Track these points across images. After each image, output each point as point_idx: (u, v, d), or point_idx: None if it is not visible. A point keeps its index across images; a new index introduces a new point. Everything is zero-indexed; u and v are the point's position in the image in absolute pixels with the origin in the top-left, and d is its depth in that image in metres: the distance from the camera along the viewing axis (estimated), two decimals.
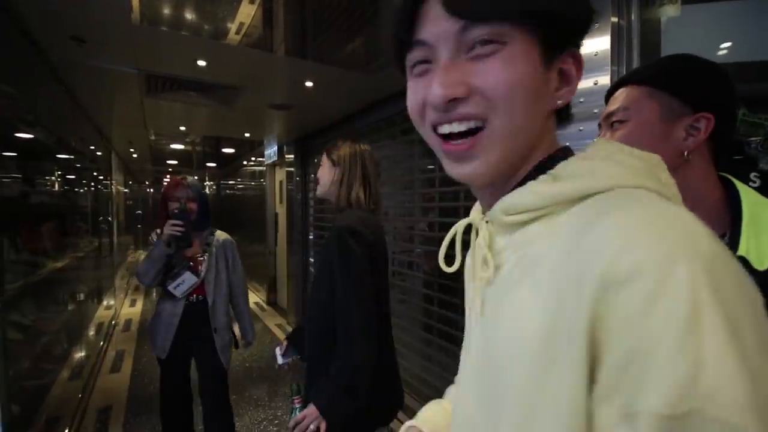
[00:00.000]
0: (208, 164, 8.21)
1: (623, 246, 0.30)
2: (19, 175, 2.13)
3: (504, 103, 0.38)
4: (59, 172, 2.99)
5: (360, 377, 1.13)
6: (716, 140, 0.66)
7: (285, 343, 1.57)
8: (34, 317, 2.16)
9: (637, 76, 0.70)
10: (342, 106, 3.23)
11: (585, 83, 1.50)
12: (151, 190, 16.20)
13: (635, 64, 1.44)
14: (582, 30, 0.42)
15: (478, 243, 0.46)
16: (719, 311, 0.26)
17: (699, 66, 0.67)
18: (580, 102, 1.51)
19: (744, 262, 0.56)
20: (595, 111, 1.45)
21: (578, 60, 0.43)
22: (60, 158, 2.99)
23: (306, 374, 1.28)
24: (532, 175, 0.42)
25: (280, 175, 5.26)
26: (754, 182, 1.50)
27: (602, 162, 0.39)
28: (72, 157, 3.44)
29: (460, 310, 2.14)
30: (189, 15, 1.88)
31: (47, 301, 2.50)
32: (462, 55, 0.39)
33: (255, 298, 6.22)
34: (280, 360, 1.54)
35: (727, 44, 1.42)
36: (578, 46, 0.44)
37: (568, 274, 0.33)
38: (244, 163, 6.97)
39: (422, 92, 0.42)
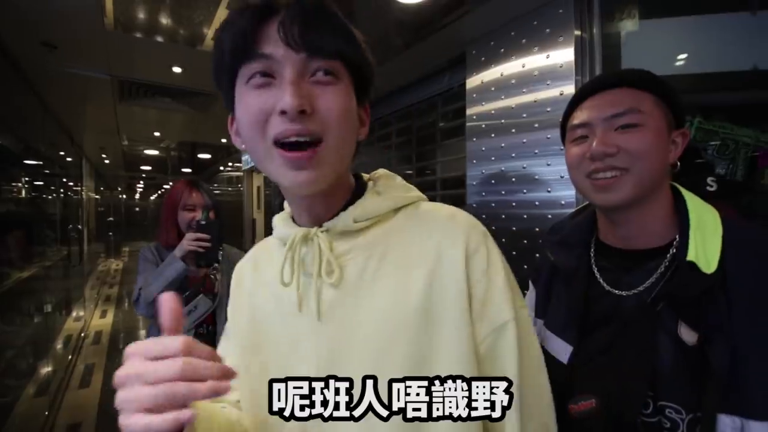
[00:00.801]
0: (183, 170, 8.04)
1: (466, 232, 0.52)
2: None
3: (337, 125, 0.47)
4: (27, 179, 2.89)
5: None
6: None
7: None
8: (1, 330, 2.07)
9: (647, 82, 0.67)
10: None
11: (551, 92, 1.58)
12: (124, 196, 15.74)
13: (598, 73, 1.52)
14: (367, 88, 0.55)
15: (319, 250, 0.52)
16: (505, 263, 0.54)
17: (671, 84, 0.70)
18: (547, 111, 1.59)
19: (693, 266, 0.58)
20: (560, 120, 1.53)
21: (367, 110, 0.57)
22: (27, 165, 2.89)
23: None
24: (358, 192, 0.56)
25: (258, 180, 5.21)
26: (711, 186, 1.60)
27: (402, 183, 0.60)
28: (40, 163, 3.34)
29: None
30: (165, 20, 1.87)
31: (12, 313, 2.41)
32: (306, 78, 0.46)
33: None
34: None
35: (683, 56, 1.51)
36: (366, 100, 0.56)
37: (440, 252, 0.51)
38: (221, 168, 6.87)
39: (268, 102, 0.45)
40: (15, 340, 2.39)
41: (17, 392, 2.34)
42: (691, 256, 0.59)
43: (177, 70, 2.18)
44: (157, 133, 4.26)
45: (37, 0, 1.51)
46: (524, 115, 1.67)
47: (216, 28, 1.98)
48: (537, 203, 1.62)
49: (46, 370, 3.04)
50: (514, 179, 1.72)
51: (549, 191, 1.57)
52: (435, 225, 0.53)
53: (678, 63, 1.52)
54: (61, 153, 4.36)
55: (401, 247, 0.52)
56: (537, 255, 1.55)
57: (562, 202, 1.52)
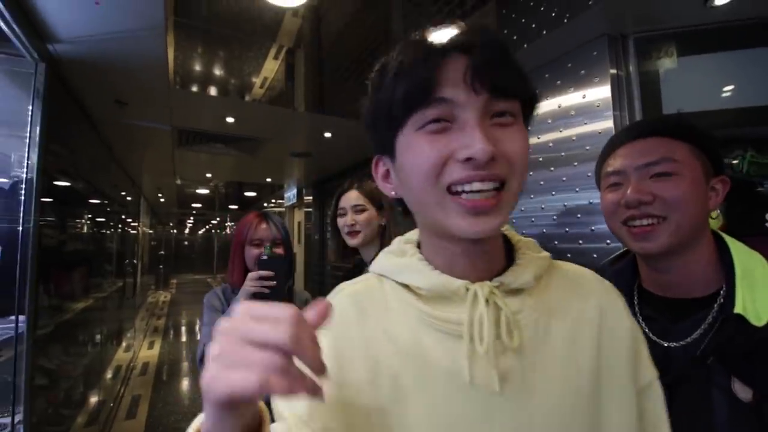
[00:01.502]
0: (231, 206, 8.49)
1: (616, 291, 0.52)
2: (60, 222, 2.28)
3: (520, 167, 0.43)
4: (90, 217, 3.18)
5: None
6: None
7: None
8: (58, 361, 2.22)
9: (683, 133, 0.67)
10: (356, 153, 3.38)
11: (589, 128, 1.57)
12: (175, 231, 16.73)
13: (637, 111, 1.51)
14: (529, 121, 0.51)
15: (496, 308, 0.45)
16: None
17: (709, 132, 0.70)
18: (586, 149, 1.58)
19: (741, 319, 0.57)
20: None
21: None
22: (92, 203, 3.18)
23: None
24: (511, 245, 0.51)
25: (299, 216, 5.41)
26: None
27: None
28: (105, 202, 3.65)
29: None
30: (218, 73, 2.07)
31: (71, 342, 2.58)
32: (486, 120, 0.42)
33: None
34: None
35: (727, 90, 1.47)
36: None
37: (602, 312, 0.48)
38: (265, 205, 7.20)
39: (446, 148, 0.41)
40: (72, 370, 2.54)
41: (70, 422, 2.46)
42: (738, 309, 0.57)
43: (230, 119, 2.37)
44: (208, 174, 4.57)
45: (112, 61, 1.72)
46: (562, 153, 1.66)
47: (264, 76, 2.17)
48: (580, 241, 1.58)
49: (96, 399, 3.19)
50: (555, 216, 1.69)
51: (593, 229, 1.53)
52: (589, 284, 0.51)
53: (722, 97, 1.49)
54: (123, 193, 4.76)
55: (563, 307, 0.48)
56: None
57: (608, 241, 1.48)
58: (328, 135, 2.72)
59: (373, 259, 1.11)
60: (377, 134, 0.48)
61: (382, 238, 1.21)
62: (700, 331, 0.62)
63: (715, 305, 0.62)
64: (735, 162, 1.48)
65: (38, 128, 1.56)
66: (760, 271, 0.60)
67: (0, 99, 1.60)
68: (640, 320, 0.71)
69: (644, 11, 1.38)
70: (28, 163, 1.55)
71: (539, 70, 1.77)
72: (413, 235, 0.55)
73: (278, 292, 1.19)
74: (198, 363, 1.21)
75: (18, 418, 1.47)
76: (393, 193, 0.50)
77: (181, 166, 3.91)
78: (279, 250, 1.33)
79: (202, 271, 16.31)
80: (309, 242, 4.94)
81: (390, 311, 0.48)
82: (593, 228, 1.53)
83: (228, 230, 11.62)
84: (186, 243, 18.17)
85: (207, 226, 16.74)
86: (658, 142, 0.67)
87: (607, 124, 1.51)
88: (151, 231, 10.13)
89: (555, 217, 1.69)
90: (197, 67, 2.01)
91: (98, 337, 3.36)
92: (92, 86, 1.94)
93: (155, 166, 4.02)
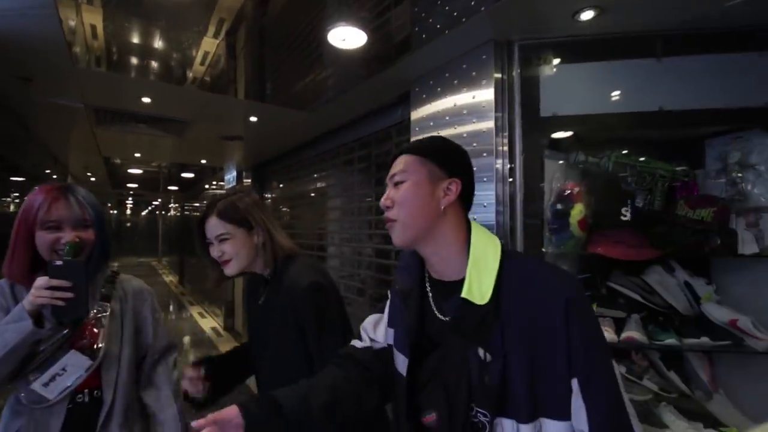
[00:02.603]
0: (170, 188, 8.17)
1: None
2: None
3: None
4: (14, 196, 3.02)
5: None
6: (465, 198, 0.82)
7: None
8: None
9: (413, 148, 0.82)
10: (289, 138, 3.41)
11: (476, 126, 1.74)
12: (114, 212, 15.81)
13: (516, 113, 1.68)
14: None
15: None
16: None
17: (451, 145, 0.84)
18: (474, 144, 1.75)
19: (467, 302, 0.69)
20: (484, 154, 1.69)
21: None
22: (8, 182, 3.01)
23: None
24: None
25: None
26: (625, 216, 1.74)
27: None
28: (23, 180, 3.45)
29: None
30: (146, 48, 2.01)
31: None
32: None
33: (213, 323, 6.15)
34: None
35: (600, 96, 1.67)
36: None
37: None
38: (206, 186, 7.01)
39: None
40: None
41: None
42: (464, 293, 0.70)
43: (146, 100, 2.34)
44: (137, 154, 4.41)
45: (8, 37, 1.66)
46: None
47: (204, 50, 2.11)
48: None
49: None
50: None
51: (474, 218, 1.71)
52: None
53: (593, 102, 1.67)
54: (47, 171, 4.49)
55: None
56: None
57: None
58: (254, 119, 2.74)
59: (272, 269, 1.13)
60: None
61: (266, 251, 1.14)
62: (455, 308, 0.73)
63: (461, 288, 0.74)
64: (602, 161, 1.71)
65: None
66: (491, 257, 0.73)
67: None
68: (430, 298, 0.82)
69: (525, 20, 1.51)
70: None
71: (441, 69, 1.91)
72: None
73: (76, 305, 0.94)
74: None
75: None
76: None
77: (106, 145, 3.74)
78: (88, 235, 1.05)
79: (146, 254, 15.60)
80: None
81: None
82: (475, 218, 1.71)
83: (172, 212, 11.16)
84: (128, 225, 17.25)
85: (149, 208, 15.95)
86: (400, 159, 0.82)
87: (489, 124, 1.68)
88: None
89: None
90: (121, 43, 1.94)
91: None
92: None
93: (78, 145, 3.82)
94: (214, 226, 1.11)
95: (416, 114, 2.06)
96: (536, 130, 1.70)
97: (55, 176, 4.89)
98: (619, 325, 1.55)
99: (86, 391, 1.05)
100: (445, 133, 1.88)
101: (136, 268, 12.04)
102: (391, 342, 0.90)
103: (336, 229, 3.26)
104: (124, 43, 1.94)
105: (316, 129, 3.07)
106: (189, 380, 1.12)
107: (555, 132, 1.75)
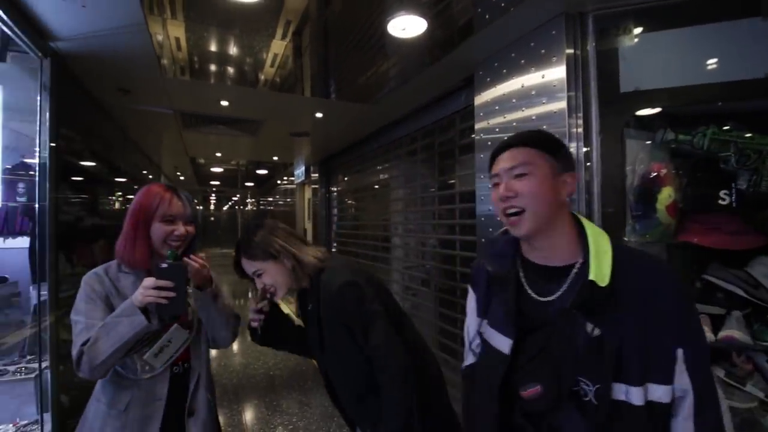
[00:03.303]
0: (247, 184, 8.80)
1: None
2: (81, 198, 2.53)
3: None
4: (118, 195, 3.47)
5: (408, 418, 1.09)
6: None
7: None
8: None
9: (533, 142, 0.87)
10: (353, 132, 3.49)
11: (546, 108, 1.63)
12: (200, 207, 17.43)
13: (592, 89, 1.56)
14: None
15: None
16: None
17: (560, 140, 0.91)
18: (544, 127, 1.65)
19: (593, 283, 0.77)
20: (556, 135, 1.58)
21: None
22: (111, 182, 3.46)
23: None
24: None
25: (308, 193, 5.60)
26: (723, 200, 1.55)
27: None
28: (124, 180, 3.93)
29: None
30: (222, 56, 2.18)
31: None
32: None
33: (287, 309, 6.55)
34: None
35: (689, 66, 1.49)
36: None
37: None
38: (278, 182, 7.44)
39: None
40: None
41: None
42: (591, 276, 0.78)
43: (224, 103, 2.53)
44: (218, 154, 4.80)
45: (108, 54, 1.89)
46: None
47: (274, 52, 2.25)
48: None
49: None
50: None
51: None
52: None
53: (682, 74, 1.50)
54: (144, 172, 5.07)
55: None
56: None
57: None
58: (319, 115, 2.84)
59: (309, 281, 1.22)
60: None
61: (298, 272, 1.20)
62: (565, 288, 0.83)
63: (574, 272, 0.83)
64: (695, 139, 1.53)
65: (47, 115, 1.77)
66: (604, 246, 0.81)
67: (21, 91, 1.81)
68: (524, 281, 0.90)
69: None
70: (40, 149, 1.77)
71: (506, 49, 1.82)
72: None
73: (176, 304, 1.07)
74: (76, 366, 1.06)
75: (45, 364, 1.75)
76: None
77: (192, 146, 4.14)
78: (190, 229, 1.21)
79: (228, 246, 17.04)
80: (317, 218, 5.14)
81: None
82: None
83: (249, 206, 12.06)
84: (212, 219, 18.91)
85: (230, 203, 17.34)
86: (518, 151, 0.86)
87: (561, 105, 1.57)
88: None
89: None
90: (201, 53, 2.12)
91: None
92: (96, 77, 2.14)
93: (169, 147, 4.26)
94: (247, 265, 1.22)
95: (480, 98, 2.00)
96: (615, 108, 1.56)
97: (150, 176, 5.50)
98: (716, 324, 1.38)
99: (180, 363, 1.22)
100: (512, 116, 1.80)
101: (219, 258, 13.21)
102: (480, 330, 0.98)
103: (400, 220, 3.28)
104: (203, 51, 2.11)
105: (379, 121, 3.11)
106: (252, 311, 1.26)
107: (637, 109, 1.60)
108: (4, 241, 2.73)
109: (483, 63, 1.98)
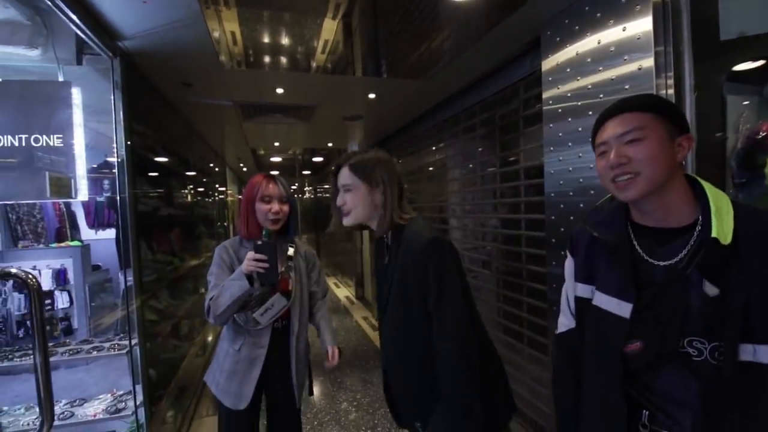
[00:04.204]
0: (304, 172, 9.03)
1: None
2: (156, 190, 2.73)
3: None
4: (189, 187, 3.70)
5: (472, 394, 1.02)
6: None
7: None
8: (166, 303, 2.74)
9: (644, 106, 0.84)
10: (407, 111, 3.39)
11: (629, 68, 1.44)
12: None
13: (686, 44, 1.34)
14: None
15: None
16: None
17: (673, 102, 0.86)
18: (625, 89, 1.46)
19: (716, 241, 0.75)
20: None
21: None
22: (182, 174, 3.69)
23: (411, 403, 1.17)
24: None
25: None
26: None
27: None
28: (193, 173, 4.19)
29: (548, 314, 1.93)
30: (276, 45, 2.21)
31: (176, 290, 3.13)
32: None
33: (345, 292, 6.72)
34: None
35: None
36: None
37: None
38: (332, 169, 7.56)
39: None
40: (176, 310, 3.11)
41: (182, 351, 3.04)
42: (714, 233, 0.76)
43: (279, 90, 2.56)
44: (276, 143, 4.94)
45: (171, 49, 1.96)
46: (601, 96, 1.55)
47: (324, 38, 2.25)
48: None
49: (202, 336, 3.85)
50: (591, 166, 1.61)
51: None
52: None
53: None
54: (211, 164, 5.37)
55: None
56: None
57: None
58: (372, 96, 2.79)
59: (392, 231, 1.18)
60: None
61: (384, 212, 1.15)
62: (685, 251, 0.81)
63: (695, 231, 0.81)
64: None
65: (121, 114, 1.89)
66: (725, 205, 0.79)
67: (95, 92, 1.94)
68: (636, 245, 0.89)
69: None
70: (117, 145, 1.89)
71: (579, 2, 1.63)
72: None
73: (270, 273, 1.40)
74: (206, 314, 1.44)
75: (134, 342, 1.92)
76: None
77: (252, 137, 4.29)
78: (285, 208, 1.56)
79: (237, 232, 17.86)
80: None
81: None
82: None
83: (306, 194, 12.45)
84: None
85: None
86: (629, 116, 0.84)
87: (647, 62, 1.37)
88: (239, 197, 11.25)
89: (591, 166, 1.61)
90: (255, 44, 2.16)
91: (201, 288, 3.99)
92: (161, 72, 2.24)
93: (231, 139, 4.46)
94: (344, 175, 1.18)
95: (549, 62, 1.82)
96: (714, 60, 1.34)
97: (216, 168, 5.82)
98: None
99: (281, 320, 1.60)
100: (588, 80, 1.61)
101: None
102: (582, 295, 0.99)
103: (458, 200, 3.17)
104: (257, 43, 2.13)
105: (433, 98, 2.98)
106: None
107: (742, 59, 1.37)
108: (96, 233, 3.04)
109: (550, 21, 1.79)
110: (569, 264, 1.04)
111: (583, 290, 0.98)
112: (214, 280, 1.49)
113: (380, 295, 1.25)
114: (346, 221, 1.18)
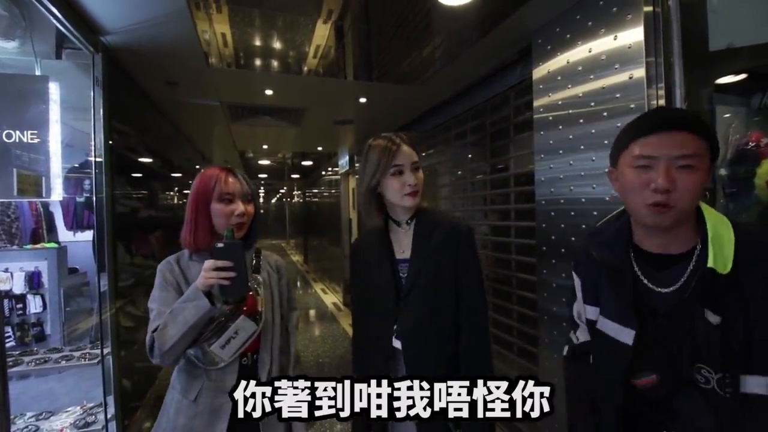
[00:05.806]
0: (293, 176, 8.97)
1: None
2: (137, 191, 2.64)
3: None
4: (174, 189, 3.60)
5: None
6: None
7: None
8: (145, 309, 2.64)
9: (702, 129, 0.76)
10: (398, 117, 3.37)
11: (620, 77, 1.44)
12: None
13: (676, 54, 1.34)
14: None
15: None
16: None
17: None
18: (616, 98, 1.45)
19: (713, 271, 0.73)
20: (632, 106, 1.39)
21: None
22: (165, 176, 3.60)
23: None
24: None
25: (352, 182, 5.58)
26: None
27: None
28: (178, 175, 4.09)
29: (539, 322, 1.91)
30: (265, 46, 2.16)
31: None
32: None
33: (333, 298, 6.63)
34: None
35: None
36: None
37: None
38: (322, 173, 7.50)
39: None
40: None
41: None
42: (710, 263, 0.73)
43: (268, 92, 2.52)
44: (265, 146, 4.88)
45: (155, 46, 1.91)
46: (592, 104, 1.55)
47: (316, 44, 2.21)
48: (607, 198, 1.49)
49: None
50: (582, 174, 1.60)
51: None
52: None
53: None
54: (197, 166, 5.28)
55: None
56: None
57: None
58: (363, 100, 2.76)
59: (412, 214, 1.18)
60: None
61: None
62: (684, 279, 0.79)
63: (693, 260, 0.79)
64: None
65: (101, 111, 1.82)
66: (725, 233, 0.76)
67: (75, 88, 1.87)
68: (637, 271, 0.86)
69: None
70: (95, 143, 1.82)
71: (570, 11, 1.63)
72: None
73: (238, 284, 1.02)
74: (149, 352, 1.05)
75: (107, 350, 1.83)
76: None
77: (240, 139, 4.22)
78: (250, 209, 1.17)
79: (277, 237, 17.66)
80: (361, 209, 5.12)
81: None
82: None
83: (295, 198, 12.35)
84: (262, 211, 19.66)
85: (278, 195, 17.91)
86: (689, 138, 0.75)
87: (638, 72, 1.36)
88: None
89: (582, 174, 1.60)
90: (245, 46, 2.12)
91: None
92: (145, 70, 2.18)
93: (219, 141, 4.38)
94: (410, 153, 1.12)
95: (540, 70, 1.81)
96: (703, 71, 1.34)
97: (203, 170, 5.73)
98: None
99: (249, 354, 1.17)
100: (579, 88, 1.60)
101: (269, 249, 13.70)
102: (590, 317, 0.95)
103: (448, 207, 3.15)
104: (248, 46, 2.09)
105: (425, 103, 2.97)
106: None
107: (730, 70, 1.38)
108: (74, 234, 2.93)
109: (542, 30, 1.79)
110: (576, 281, 1.02)
111: (592, 312, 0.96)
112: (158, 306, 1.09)
113: (392, 287, 1.16)
114: (414, 202, 1.12)
